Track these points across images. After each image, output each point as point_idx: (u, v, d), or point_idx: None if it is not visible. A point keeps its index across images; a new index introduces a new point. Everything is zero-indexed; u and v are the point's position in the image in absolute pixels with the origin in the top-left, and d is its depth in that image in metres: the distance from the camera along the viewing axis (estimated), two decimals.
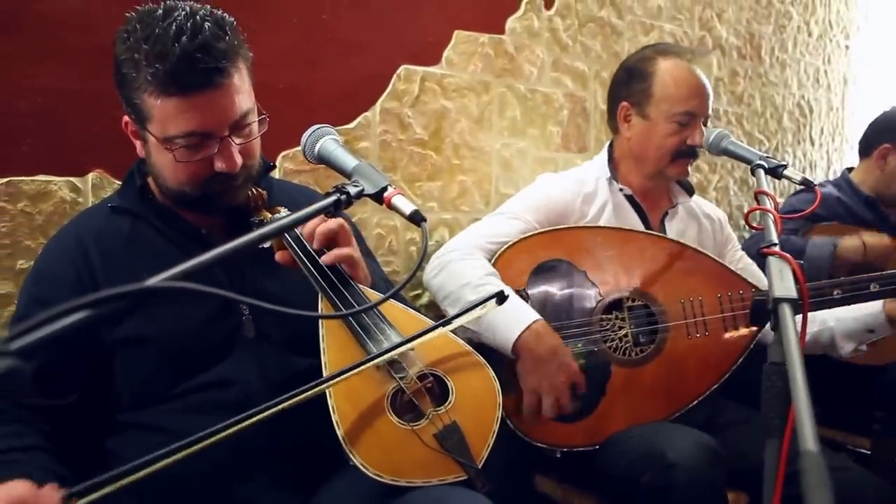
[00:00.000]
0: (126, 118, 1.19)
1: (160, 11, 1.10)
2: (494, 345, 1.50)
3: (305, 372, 1.15)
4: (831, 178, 2.75)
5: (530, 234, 1.67)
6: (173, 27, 1.06)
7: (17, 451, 1.06)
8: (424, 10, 2.01)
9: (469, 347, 1.22)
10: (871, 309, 1.63)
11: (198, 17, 1.09)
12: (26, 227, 1.44)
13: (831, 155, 3.63)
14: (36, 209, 1.45)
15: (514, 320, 1.47)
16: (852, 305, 1.60)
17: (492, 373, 1.19)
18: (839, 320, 1.67)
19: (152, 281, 0.65)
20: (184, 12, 1.10)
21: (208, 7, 1.14)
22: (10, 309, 1.40)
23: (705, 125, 1.73)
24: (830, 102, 3.58)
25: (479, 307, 1.14)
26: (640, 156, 1.77)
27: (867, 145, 2.47)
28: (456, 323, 1.16)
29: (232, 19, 1.16)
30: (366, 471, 1.02)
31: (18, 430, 1.09)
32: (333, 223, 1.18)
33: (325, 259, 1.17)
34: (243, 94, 1.15)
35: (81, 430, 1.17)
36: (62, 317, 0.56)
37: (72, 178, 1.49)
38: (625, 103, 1.78)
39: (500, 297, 1.14)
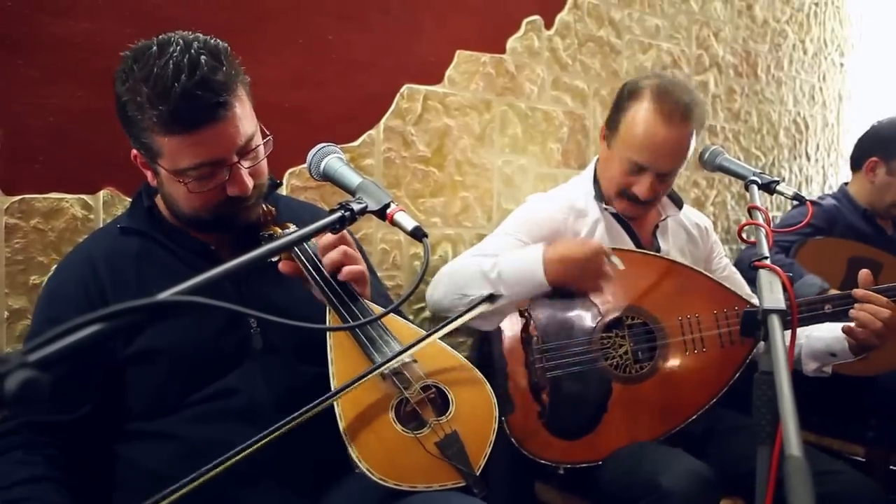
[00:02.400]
0: (135, 151, 1.21)
1: (155, 48, 1.11)
2: (534, 295, 1.56)
3: (312, 381, 1.18)
4: (827, 192, 2.80)
5: None
6: (170, 66, 1.07)
7: (20, 484, 1.06)
8: (427, 31, 2.05)
9: (469, 364, 1.26)
10: (837, 333, 1.58)
11: (192, 50, 1.10)
12: (39, 244, 1.47)
13: (827, 170, 3.67)
14: (48, 226, 1.48)
15: (529, 267, 1.52)
16: (824, 325, 1.59)
17: (489, 388, 1.23)
18: (808, 338, 1.66)
19: (164, 295, 0.67)
20: (178, 47, 1.10)
21: (201, 36, 1.15)
22: (23, 323, 1.43)
23: (663, 181, 1.69)
24: (826, 119, 3.63)
25: (473, 310, 1.17)
26: (600, 177, 1.80)
27: (857, 158, 2.54)
28: (455, 324, 1.20)
29: (226, 45, 1.17)
30: (371, 475, 1.06)
31: (23, 458, 1.10)
32: (335, 253, 1.20)
33: (341, 276, 1.20)
34: (246, 118, 1.17)
35: (93, 440, 1.19)
36: (77, 330, 0.58)
37: (83, 196, 1.52)
38: (603, 126, 1.80)
39: (491, 298, 1.17)
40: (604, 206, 1.80)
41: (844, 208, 2.50)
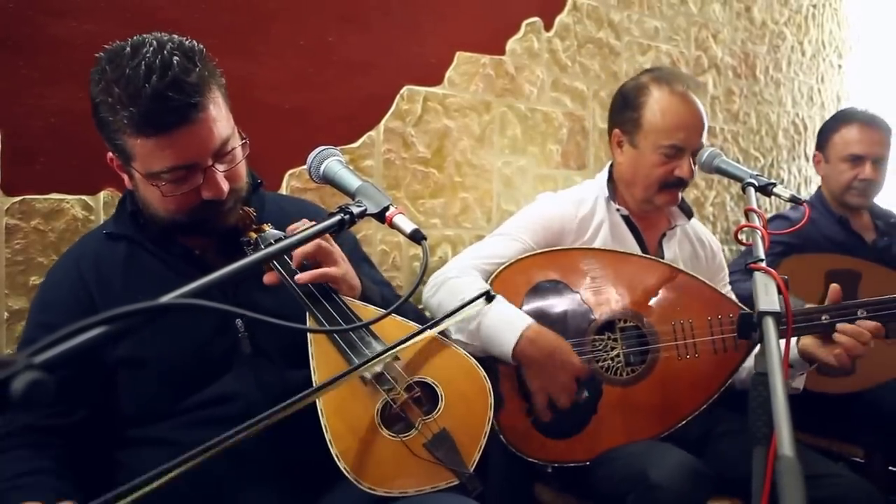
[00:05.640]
0: (110, 154, 1.20)
1: (128, 49, 1.10)
2: (497, 356, 1.53)
3: (303, 384, 1.17)
4: None
5: (527, 254, 1.70)
6: (142, 66, 1.06)
7: (26, 475, 1.09)
8: (427, 33, 2.06)
9: (460, 350, 1.23)
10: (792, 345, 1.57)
11: (165, 51, 1.09)
12: (39, 245, 1.48)
13: None
14: (49, 227, 1.49)
15: (507, 330, 1.51)
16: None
17: (482, 373, 1.21)
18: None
19: (167, 297, 0.67)
20: (151, 48, 1.09)
21: (176, 37, 1.14)
22: (23, 324, 1.43)
23: (695, 156, 1.72)
24: (824, 120, 3.63)
25: (466, 308, 1.11)
26: (629, 182, 1.79)
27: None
28: (442, 325, 1.15)
29: (201, 47, 1.16)
30: (359, 484, 1.06)
31: (28, 454, 1.12)
32: (309, 246, 1.18)
33: (300, 278, 1.17)
34: (220, 121, 1.15)
35: (93, 445, 1.20)
36: (81, 333, 0.58)
37: (84, 197, 1.53)
38: (617, 130, 1.81)
39: (489, 297, 1.12)
40: (617, 207, 1.81)
41: (819, 215, 2.41)
